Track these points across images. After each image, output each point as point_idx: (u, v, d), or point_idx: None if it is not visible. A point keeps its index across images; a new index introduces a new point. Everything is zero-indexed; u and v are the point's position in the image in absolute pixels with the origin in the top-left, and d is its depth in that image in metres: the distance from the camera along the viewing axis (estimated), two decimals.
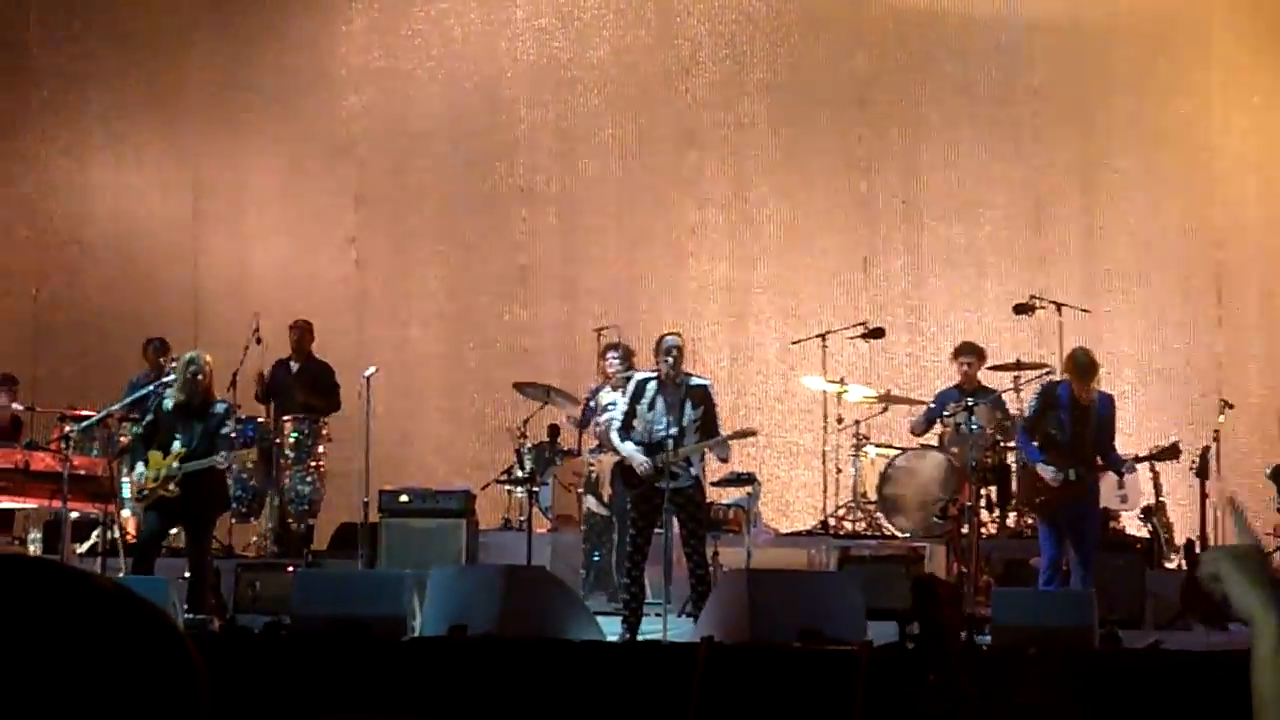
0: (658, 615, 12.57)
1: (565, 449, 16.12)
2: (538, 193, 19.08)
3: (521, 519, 15.49)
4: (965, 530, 14.13)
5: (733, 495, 15.08)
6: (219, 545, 15.46)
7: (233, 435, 13.72)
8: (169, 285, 19.13)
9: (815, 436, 17.05)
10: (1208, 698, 10.38)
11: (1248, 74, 18.35)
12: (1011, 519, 15.35)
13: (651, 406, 12.79)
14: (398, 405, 18.43)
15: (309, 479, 16.16)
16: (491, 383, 18.68)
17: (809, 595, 12.00)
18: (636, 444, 12.76)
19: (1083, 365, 13.41)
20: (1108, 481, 15.07)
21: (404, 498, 15.38)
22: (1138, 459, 14.18)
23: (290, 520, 16.20)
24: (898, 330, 18.10)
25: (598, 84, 19.06)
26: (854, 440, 16.15)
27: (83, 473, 14.44)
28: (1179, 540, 15.30)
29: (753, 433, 14.06)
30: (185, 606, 12.80)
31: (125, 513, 14.81)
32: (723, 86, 18.92)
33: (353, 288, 19.13)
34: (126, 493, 14.25)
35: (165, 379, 14.00)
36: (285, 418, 16.27)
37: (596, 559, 15.10)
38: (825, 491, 16.41)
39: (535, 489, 15.23)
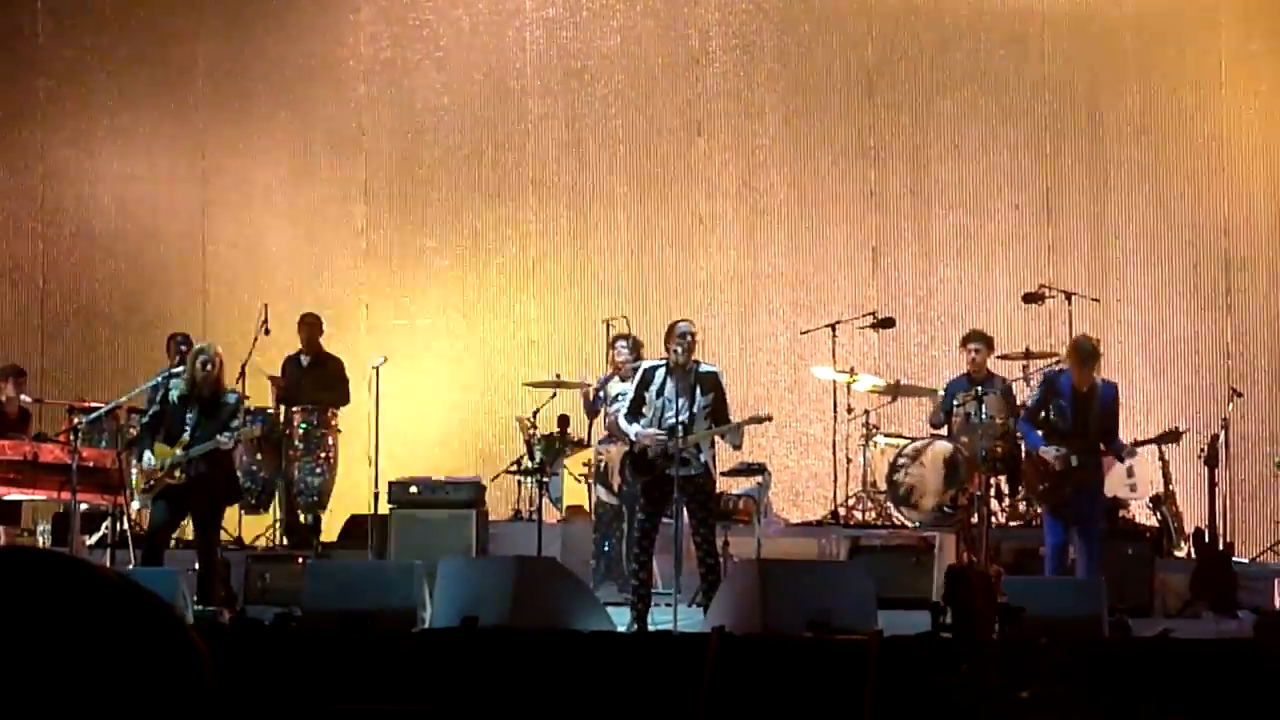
0: (668, 605, 12.57)
1: (575, 439, 16.11)
2: (546, 183, 19.07)
3: (532, 510, 15.49)
4: (975, 520, 14.12)
5: (743, 485, 15.07)
6: (229, 537, 15.48)
7: (242, 426, 13.73)
8: (177, 276, 19.14)
9: (825, 426, 17.04)
10: (1217, 686, 10.37)
11: (1255, 63, 18.32)
12: (1021, 508, 15.34)
13: (660, 393, 12.78)
14: (407, 396, 18.43)
15: (318, 470, 16.17)
16: (501, 374, 18.68)
17: (819, 585, 11.99)
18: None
19: (1085, 352, 13.43)
20: (1116, 470, 15.06)
21: (414, 489, 15.39)
22: (1137, 443, 14.18)
23: (300, 512, 16.21)
24: (907, 320, 18.09)
25: (607, 74, 19.04)
26: (864, 430, 16.13)
27: (91, 464, 14.45)
28: (1188, 529, 15.29)
29: (767, 418, 13.99)
30: (195, 598, 12.81)
31: (135, 505, 14.82)
32: (732, 76, 18.90)
33: (361, 278, 19.13)
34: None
35: (174, 370, 13.99)
36: (294, 409, 16.27)
37: (607, 549, 15.10)
38: (835, 481, 16.40)
39: (545, 480, 15.24)
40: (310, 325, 16.88)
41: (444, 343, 18.96)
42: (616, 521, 14.97)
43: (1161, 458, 15.56)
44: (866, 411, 16.31)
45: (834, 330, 16.78)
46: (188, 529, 14.27)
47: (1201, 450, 15.23)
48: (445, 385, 18.84)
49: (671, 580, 12.89)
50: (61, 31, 19.36)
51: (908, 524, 15.31)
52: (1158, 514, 15.56)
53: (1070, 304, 16.35)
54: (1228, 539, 14.83)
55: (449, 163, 19.15)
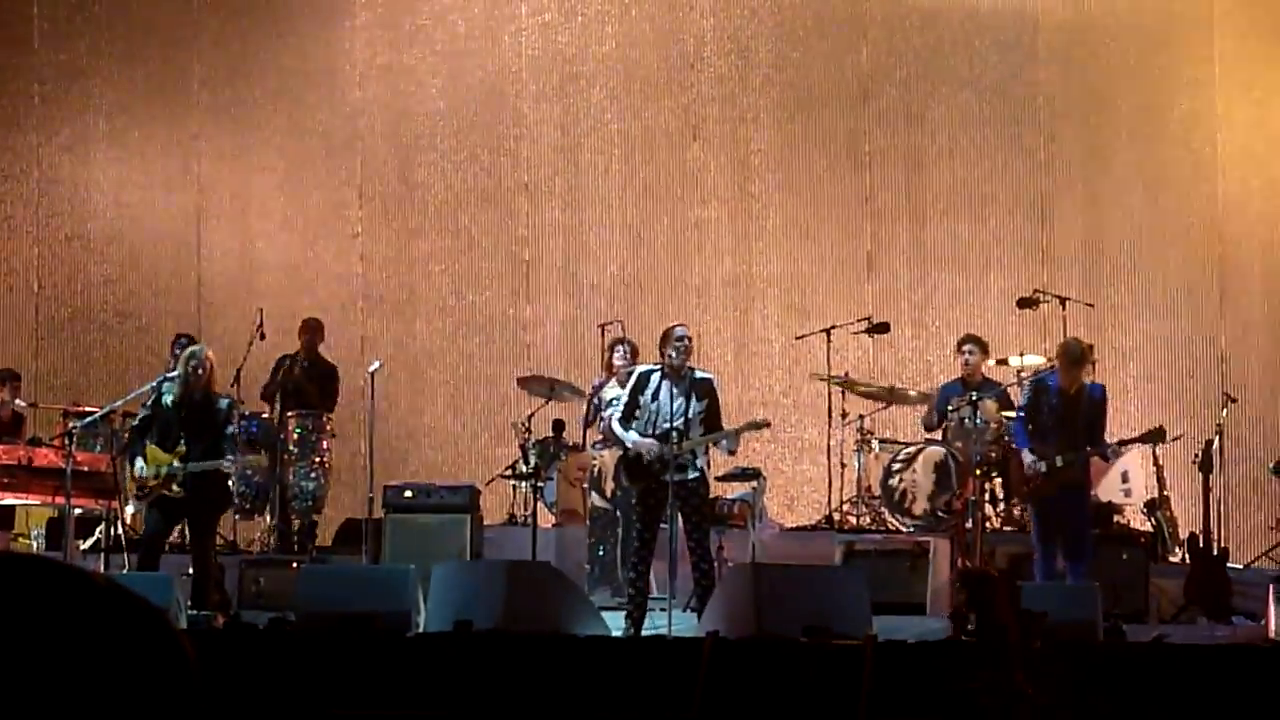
0: (663, 610, 12.56)
1: (570, 444, 16.11)
2: (542, 188, 19.08)
3: (526, 514, 15.48)
4: (969, 524, 14.12)
5: (738, 490, 15.08)
6: (223, 541, 15.47)
7: (238, 435, 13.73)
8: (172, 281, 19.14)
9: (820, 431, 17.04)
10: (1212, 691, 10.37)
11: (1250, 68, 18.33)
12: (1016, 513, 15.34)
13: (655, 398, 12.76)
14: (402, 400, 18.46)
15: (313, 475, 16.15)
16: (496, 378, 18.69)
17: (814, 590, 11.98)
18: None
19: (1074, 355, 13.46)
20: (1111, 476, 15.08)
21: (408, 493, 15.37)
22: (1122, 443, 14.18)
23: (294, 516, 16.20)
24: (902, 325, 18.10)
25: (602, 79, 19.05)
26: (858, 435, 16.14)
27: (86, 469, 14.43)
28: (1183, 534, 15.29)
29: (765, 424, 13.97)
30: (189, 603, 12.80)
31: (129, 509, 14.81)
32: (727, 81, 18.91)
33: (357, 283, 19.13)
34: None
35: (168, 374, 13.98)
36: (289, 413, 16.25)
37: (601, 554, 15.10)
38: (830, 486, 16.40)
39: (540, 484, 15.23)
40: (312, 329, 16.86)
41: (438, 347, 18.96)
42: (611, 527, 14.97)
43: (1156, 463, 15.56)
44: (861, 416, 16.31)
45: (829, 335, 16.77)
46: (182, 533, 14.25)
47: (1196, 455, 15.23)
48: (439, 390, 18.84)
49: (666, 585, 12.88)
50: (57, 37, 19.35)
51: (902, 529, 15.31)
52: (1152, 519, 15.56)
53: (1065, 309, 16.34)
54: (1222, 544, 14.83)
55: (444, 167, 19.16)
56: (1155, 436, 14.08)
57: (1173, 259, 18.30)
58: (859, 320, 17.30)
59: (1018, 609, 10.57)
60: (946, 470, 15.08)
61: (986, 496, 14.82)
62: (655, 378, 12.83)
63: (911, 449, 15.49)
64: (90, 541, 15.59)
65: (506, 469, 16.14)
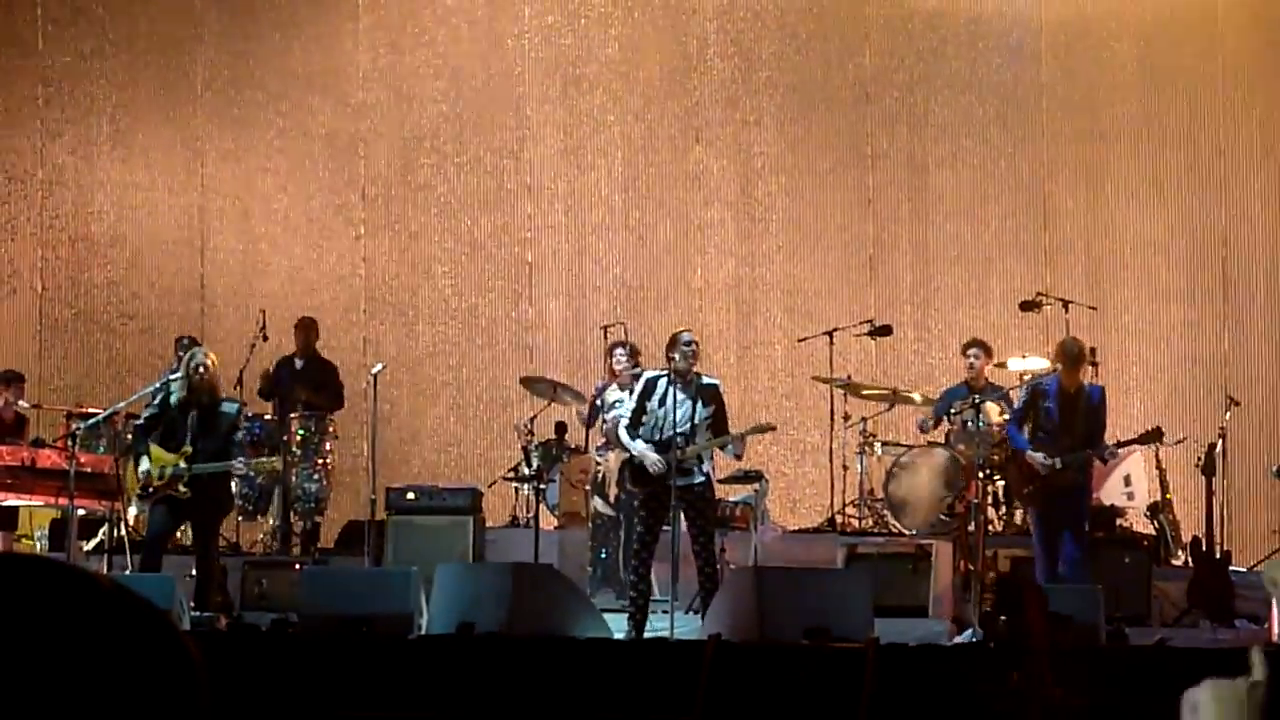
0: (665, 613, 12.57)
1: (572, 446, 16.11)
2: (545, 190, 19.08)
3: (529, 516, 15.48)
4: (972, 528, 14.12)
5: (740, 492, 15.08)
6: (226, 543, 15.47)
7: (246, 438, 13.76)
8: (175, 282, 19.14)
9: (822, 434, 17.04)
10: None
11: (1254, 72, 18.34)
12: (1018, 516, 15.35)
13: (662, 403, 12.76)
14: (405, 403, 18.46)
15: (316, 476, 16.16)
16: (498, 380, 18.69)
17: (816, 592, 11.98)
18: (646, 442, 12.74)
19: (1073, 354, 13.50)
20: (1114, 479, 15.08)
21: (411, 495, 15.37)
22: (1120, 444, 14.17)
23: (297, 517, 16.20)
24: (904, 327, 18.11)
25: (605, 81, 19.06)
26: (861, 437, 16.14)
27: (89, 470, 14.44)
28: (1186, 538, 15.28)
29: (771, 428, 13.97)
30: (192, 604, 12.81)
31: (132, 510, 14.81)
32: (730, 84, 18.92)
33: (360, 285, 19.13)
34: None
35: (173, 374, 13.99)
36: (292, 415, 16.26)
37: (604, 556, 15.10)
38: (832, 489, 16.40)
39: (542, 486, 15.23)
40: (307, 328, 16.88)
41: (441, 349, 18.96)
42: (614, 531, 14.97)
43: (1159, 466, 15.57)
44: (864, 419, 16.31)
45: (831, 338, 16.78)
46: (185, 534, 14.26)
47: (1199, 459, 15.24)
48: (443, 392, 18.84)
49: (668, 587, 12.88)
50: (61, 38, 19.35)
51: (904, 532, 15.30)
52: (1155, 522, 15.56)
53: (1067, 312, 16.34)
54: (1225, 548, 14.83)
55: (447, 169, 19.16)
56: (1153, 437, 14.08)
57: (1175, 261, 18.31)
58: (861, 323, 17.31)
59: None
60: (949, 473, 15.08)
61: (989, 500, 14.81)
62: (662, 383, 12.81)
63: (915, 452, 15.49)
64: (93, 543, 15.59)
65: (509, 471, 16.15)
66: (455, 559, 14.28)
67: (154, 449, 13.33)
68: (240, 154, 19.30)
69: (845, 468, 16.36)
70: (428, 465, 18.19)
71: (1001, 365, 15.96)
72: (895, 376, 17.79)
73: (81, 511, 14.70)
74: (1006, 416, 14.60)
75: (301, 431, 16.22)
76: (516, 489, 16.22)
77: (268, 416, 16.30)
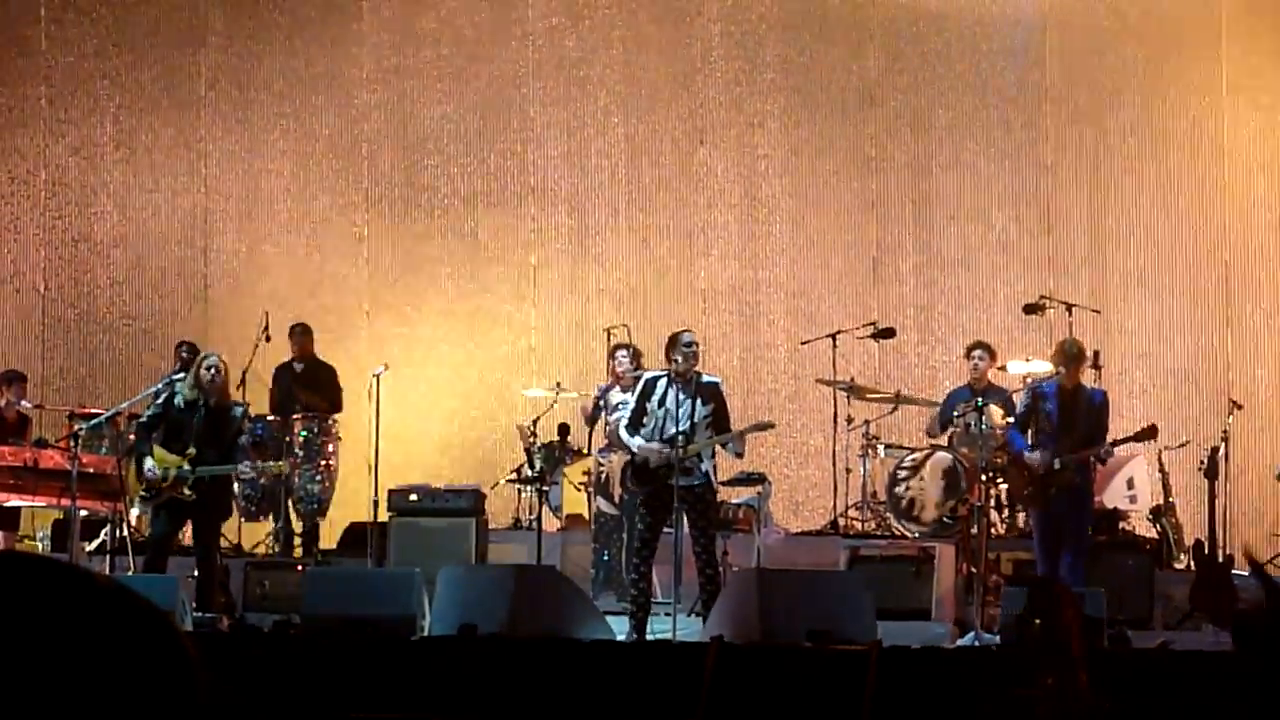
0: (667, 615, 12.56)
1: (575, 448, 16.11)
2: (548, 191, 19.07)
3: (531, 518, 15.48)
4: (975, 530, 14.11)
5: (743, 495, 15.07)
6: (228, 544, 15.48)
7: (248, 441, 13.79)
8: (178, 283, 19.15)
9: (825, 436, 17.03)
10: (1217, 698, 10.36)
11: (1257, 75, 18.33)
12: (1021, 519, 15.34)
13: (662, 403, 12.76)
14: (407, 404, 18.43)
15: (318, 478, 16.16)
16: (501, 382, 18.67)
17: (819, 595, 11.99)
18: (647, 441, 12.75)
19: (1070, 354, 13.52)
20: (1116, 482, 15.08)
21: (414, 497, 15.38)
22: (1115, 442, 14.16)
23: (299, 519, 16.21)
24: (908, 330, 18.10)
25: (609, 83, 19.05)
26: (864, 440, 16.13)
27: (91, 471, 14.44)
28: (1188, 541, 15.28)
29: (770, 425, 13.97)
30: (194, 605, 12.81)
31: (134, 511, 14.82)
32: (734, 86, 18.91)
33: (362, 286, 19.13)
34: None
35: (176, 375, 13.99)
36: (294, 417, 16.27)
37: (606, 558, 15.10)
38: (835, 491, 16.39)
39: (545, 488, 15.23)
40: (301, 334, 16.92)
41: (444, 351, 18.96)
42: (616, 532, 14.97)
43: (1162, 469, 15.57)
44: (867, 422, 16.29)
45: (834, 340, 16.78)
46: (187, 535, 14.27)
47: (1201, 462, 15.23)
48: (445, 393, 18.84)
49: (671, 589, 12.88)
50: (64, 39, 19.36)
51: (907, 534, 15.30)
52: (1158, 526, 15.55)
53: (1071, 315, 16.33)
54: (1227, 551, 14.82)
55: (451, 170, 19.15)
56: (1147, 435, 14.07)
57: (1179, 265, 18.29)
58: (865, 325, 17.29)
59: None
60: (953, 476, 15.07)
61: (992, 503, 14.80)
62: (662, 384, 12.82)
63: (918, 454, 15.48)
64: (95, 543, 15.59)
65: (512, 473, 16.13)
66: (457, 560, 14.28)
67: (157, 450, 13.33)
68: (243, 155, 19.30)
69: (848, 470, 16.35)
70: (430, 467, 18.17)
71: (1003, 369, 15.96)
72: (898, 379, 17.77)
73: (84, 512, 14.70)
74: (1010, 420, 14.59)
75: (304, 433, 16.22)
76: (519, 491, 16.21)
77: (270, 418, 16.31)
